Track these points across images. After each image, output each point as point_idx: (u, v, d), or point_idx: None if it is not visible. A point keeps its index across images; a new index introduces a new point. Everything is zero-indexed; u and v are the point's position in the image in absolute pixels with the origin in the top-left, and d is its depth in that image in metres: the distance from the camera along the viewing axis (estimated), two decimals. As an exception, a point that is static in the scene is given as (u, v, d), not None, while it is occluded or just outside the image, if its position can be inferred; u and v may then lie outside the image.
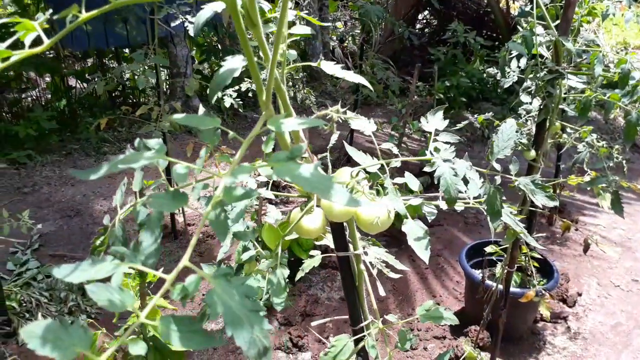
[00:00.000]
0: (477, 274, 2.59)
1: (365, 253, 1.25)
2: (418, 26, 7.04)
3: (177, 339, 0.52)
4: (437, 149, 1.00)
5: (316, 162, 0.56)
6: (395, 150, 1.02)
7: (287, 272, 1.00)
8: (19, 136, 4.39)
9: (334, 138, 0.97)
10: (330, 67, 0.83)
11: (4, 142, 4.51)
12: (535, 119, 1.95)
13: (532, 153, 1.85)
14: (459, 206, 1.10)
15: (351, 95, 4.56)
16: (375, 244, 1.36)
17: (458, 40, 5.60)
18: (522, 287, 2.52)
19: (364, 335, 1.13)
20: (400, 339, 1.07)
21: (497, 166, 0.99)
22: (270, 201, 3.75)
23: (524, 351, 2.56)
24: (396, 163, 0.98)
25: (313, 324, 1.23)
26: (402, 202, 0.94)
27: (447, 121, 1.05)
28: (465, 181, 1.06)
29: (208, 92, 0.77)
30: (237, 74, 0.76)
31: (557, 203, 0.96)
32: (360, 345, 1.13)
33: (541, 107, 1.68)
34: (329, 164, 0.96)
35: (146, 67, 2.70)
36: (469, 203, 1.10)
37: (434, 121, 1.05)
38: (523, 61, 2.64)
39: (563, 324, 2.75)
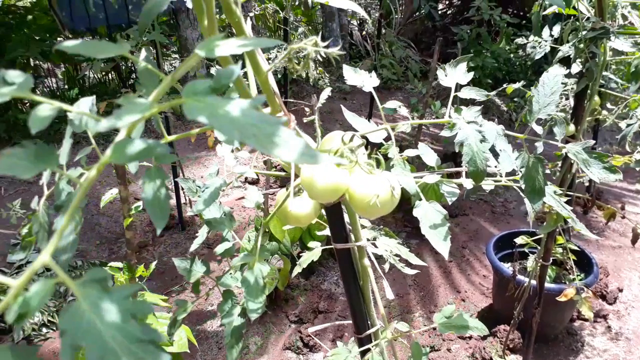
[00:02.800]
0: (507, 267, 2.34)
1: (374, 245, 1.03)
2: (440, 6, 6.72)
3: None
4: (458, 109, 0.77)
5: (257, 99, 0.34)
6: (404, 112, 0.79)
7: (266, 268, 0.78)
8: (27, 125, 4.28)
9: (324, 95, 0.75)
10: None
11: (14, 130, 4.41)
12: (573, 92, 1.69)
13: (572, 128, 1.60)
14: (488, 185, 0.87)
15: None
16: (387, 234, 1.14)
17: (483, 18, 5.28)
18: (557, 282, 2.27)
19: (370, 348, 0.91)
20: (415, 354, 0.85)
21: (538, 129, 0.76)
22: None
23: (559, 354, 2.31)
24: (404, 127, 0.75)
25: (310, 330, 1.02)
26: (412, 178, 0.72)
27: (471, 74, 0.82)
28: (495, 154, 0.83)
29: (138, 24, 0.56)
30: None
31: (620, 176, 0.73)
32: (365, 359, 0.92)
33: (584, 71, 1.43)
34: (318, 129, 0.74)
35: (146, 45, 2.51)
36: (500, 181, 0.87)
37: (455, 74, 0.82)
38: (556, 29, 2.36)
39: (603, 323, 2.49)
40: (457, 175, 0.99)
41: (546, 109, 0.75)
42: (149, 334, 0.31)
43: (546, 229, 1.05)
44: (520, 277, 2.09)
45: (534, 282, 1.90)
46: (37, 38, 4.94)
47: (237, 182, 3.76)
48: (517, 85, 1.78)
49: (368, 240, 1.00)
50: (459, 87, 0.80)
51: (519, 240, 2.15)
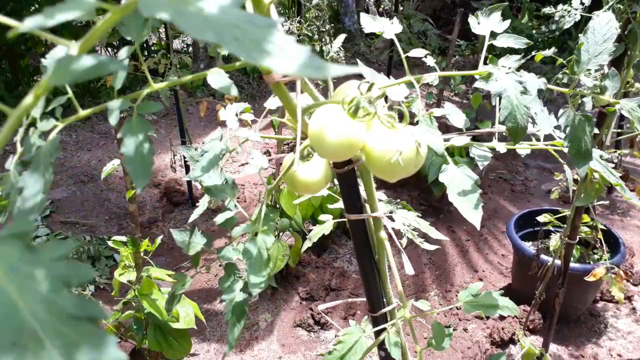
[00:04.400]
0: (528, 247, 2.24)
1: (391, 218, 0.94)
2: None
3: None
4: (493, 59, 0.67)
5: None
6: (430, 62, 0.69)
7: (270, 239, 0.70)
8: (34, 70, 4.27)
9: (338, 41, 0.65)
10: None
11: (23, 75, 4.41)
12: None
13: (606, 97, 1.48)
14: (524, 149, 0.77)
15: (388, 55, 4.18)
16: (405, 207, 1.04)
17: (505, -9, 5.07)
18: (581, 262, 2.16)
19: (385, 327, 0.82)
20: (436, 335, 0.76)
21: (588, 82, 0.66)
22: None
23: (581, 335, 2.21)
24: (431, 78, 0.65)
25: (320, 307, 0.94)
26: (440, 136, 0.62)
27: (507, 22, 0.71)
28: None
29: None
30: None
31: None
32: (380, 339, 0.83)
33: (624, 34, 1.30)
34: (330, 81, 0.65)
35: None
36: (537, 145, 0.77)
37: (488, 23, 0.72)
38: (588, -3, 2.21)
39: (627, 305, 2.38)
40: (483, 139, 0.89)
41: (597, 58, 0.65)
42: (87, 309, 0.22)
43: (584, 200, 0.95)
44: (543, 256, 1.99)
45: (557, 261, 1.81)
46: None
47: (249, 157, 3.68)
48: (548, 52, 1.65)
49: (384, 213, 0.91)
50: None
51: (542, 218, 2.05)
